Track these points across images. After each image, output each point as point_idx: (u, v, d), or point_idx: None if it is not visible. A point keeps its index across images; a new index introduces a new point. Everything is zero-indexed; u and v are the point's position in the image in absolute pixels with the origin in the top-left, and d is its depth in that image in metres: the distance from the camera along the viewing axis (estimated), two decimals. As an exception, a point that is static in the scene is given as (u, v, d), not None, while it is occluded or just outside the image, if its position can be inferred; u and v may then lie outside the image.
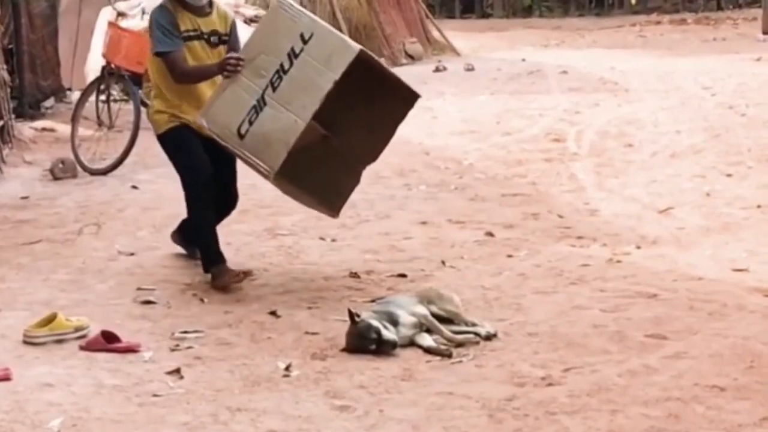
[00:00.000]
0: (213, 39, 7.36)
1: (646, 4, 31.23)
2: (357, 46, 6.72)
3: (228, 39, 7.42)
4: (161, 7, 7.32)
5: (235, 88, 6.88)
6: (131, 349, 5.92)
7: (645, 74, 17.09)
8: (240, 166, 7.39)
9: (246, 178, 8.77)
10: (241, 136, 6.83)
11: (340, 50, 6.70)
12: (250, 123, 6.81)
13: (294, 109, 6.71)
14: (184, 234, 7.76)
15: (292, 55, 6.77)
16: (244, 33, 13.38)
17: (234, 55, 7.02)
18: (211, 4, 7.40)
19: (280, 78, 6.79)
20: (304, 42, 6.74)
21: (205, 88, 7.25)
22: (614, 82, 16.53)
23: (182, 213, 7.50)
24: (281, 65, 6.79)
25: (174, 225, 7.91)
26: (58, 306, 6.53)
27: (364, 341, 5.84)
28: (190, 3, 7.29)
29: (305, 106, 6.69)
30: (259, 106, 6.80)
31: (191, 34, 7.27)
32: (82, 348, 5.95)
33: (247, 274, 7.05)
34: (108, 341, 5.95)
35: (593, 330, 6.11)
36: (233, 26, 7.51)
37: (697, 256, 7.69)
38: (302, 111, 6.69)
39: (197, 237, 7.35)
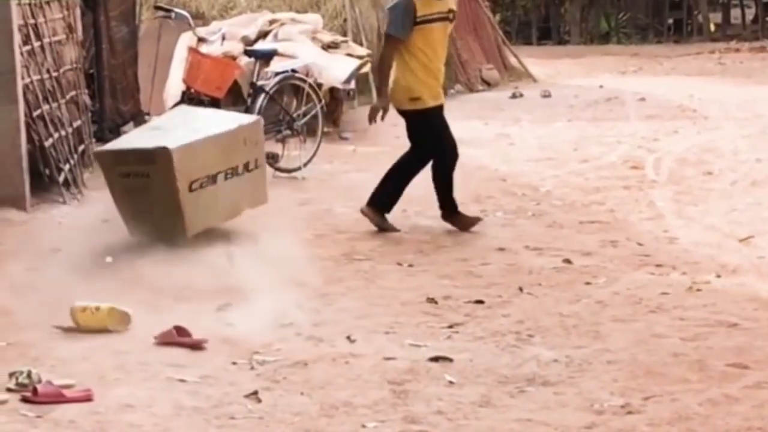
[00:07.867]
0: (450, 16, 8.84)
1: (725, 32, 30.97)
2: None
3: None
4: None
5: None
6: (197, 345, 6.30)
7: (724, 102, 16.94)
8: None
9: (321, 203, 8.84)
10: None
11: None
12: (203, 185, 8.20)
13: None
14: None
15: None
16: (321, 58, 13.51)
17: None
18: None
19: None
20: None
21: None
22: (693, 110, 16.40)
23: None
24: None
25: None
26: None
27: None
28: None
29: None
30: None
31: (433, 16, 8.67)
32: (155, 339, 6.36)
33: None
34: (179, 335, 6.36)
35: (673, 359, 6.06)
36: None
37: (779, 285, 7.60)
38: None
39: (397, 188, 8.99)
